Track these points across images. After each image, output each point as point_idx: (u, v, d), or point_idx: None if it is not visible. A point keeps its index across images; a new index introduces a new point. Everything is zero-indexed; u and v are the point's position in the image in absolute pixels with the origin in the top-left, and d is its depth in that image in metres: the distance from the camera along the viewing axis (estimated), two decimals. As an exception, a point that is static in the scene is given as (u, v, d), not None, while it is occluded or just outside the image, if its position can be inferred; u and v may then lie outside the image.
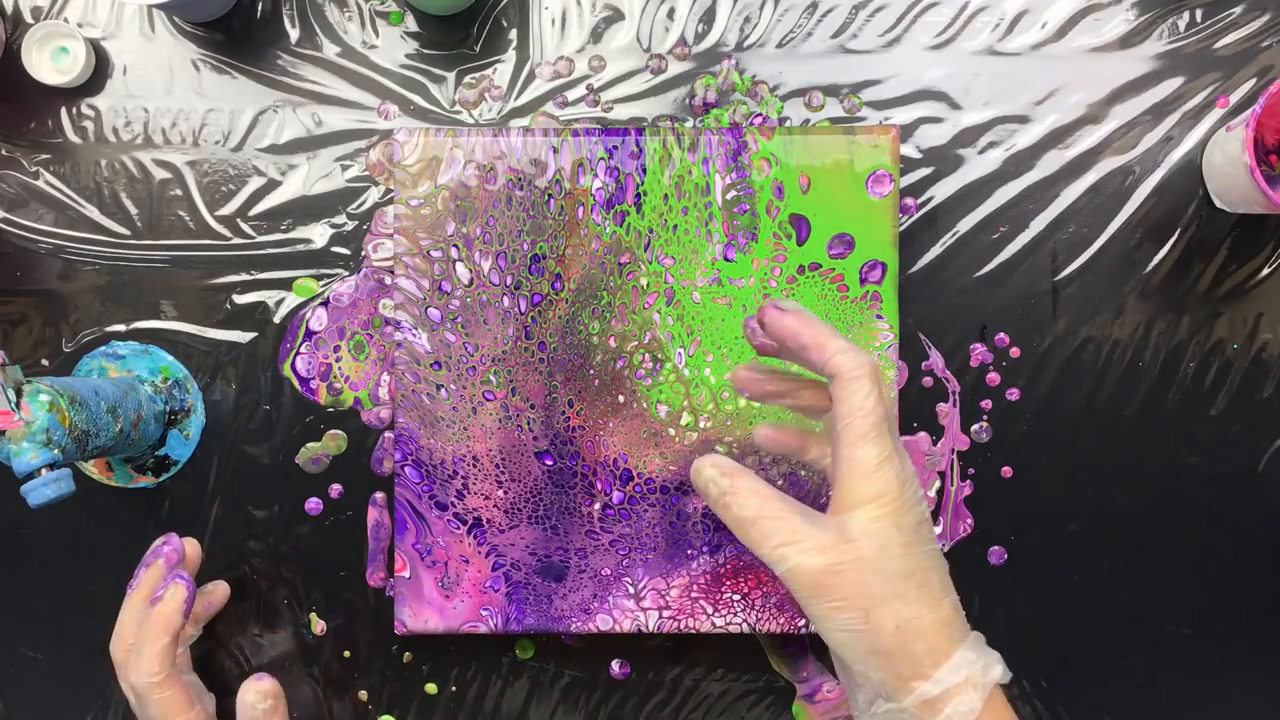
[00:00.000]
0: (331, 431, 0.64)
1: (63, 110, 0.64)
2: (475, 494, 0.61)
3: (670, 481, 0.61)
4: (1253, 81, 0.64)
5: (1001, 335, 0.64)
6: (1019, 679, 0.64)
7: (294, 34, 0.64)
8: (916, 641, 0.46)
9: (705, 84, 0.64)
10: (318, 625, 0.64)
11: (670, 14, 0.64)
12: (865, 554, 0.46)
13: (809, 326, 0.48)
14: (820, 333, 0.48)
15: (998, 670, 0.46)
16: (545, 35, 0.64)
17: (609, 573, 0.61)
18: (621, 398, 0.61)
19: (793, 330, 0.49)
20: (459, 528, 0.61)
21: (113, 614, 0.56)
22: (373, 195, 0.64)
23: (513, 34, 0.64)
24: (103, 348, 0.63)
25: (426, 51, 0.64)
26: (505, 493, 0.61)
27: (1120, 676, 0.63)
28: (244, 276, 0.64)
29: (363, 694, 0.64)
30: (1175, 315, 0.64)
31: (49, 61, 0.63)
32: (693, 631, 0.61)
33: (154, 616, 0.56)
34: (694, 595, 0.61)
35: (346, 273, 0.64)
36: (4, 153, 0.64)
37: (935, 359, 0.64)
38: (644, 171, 0.61)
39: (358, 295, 0.64)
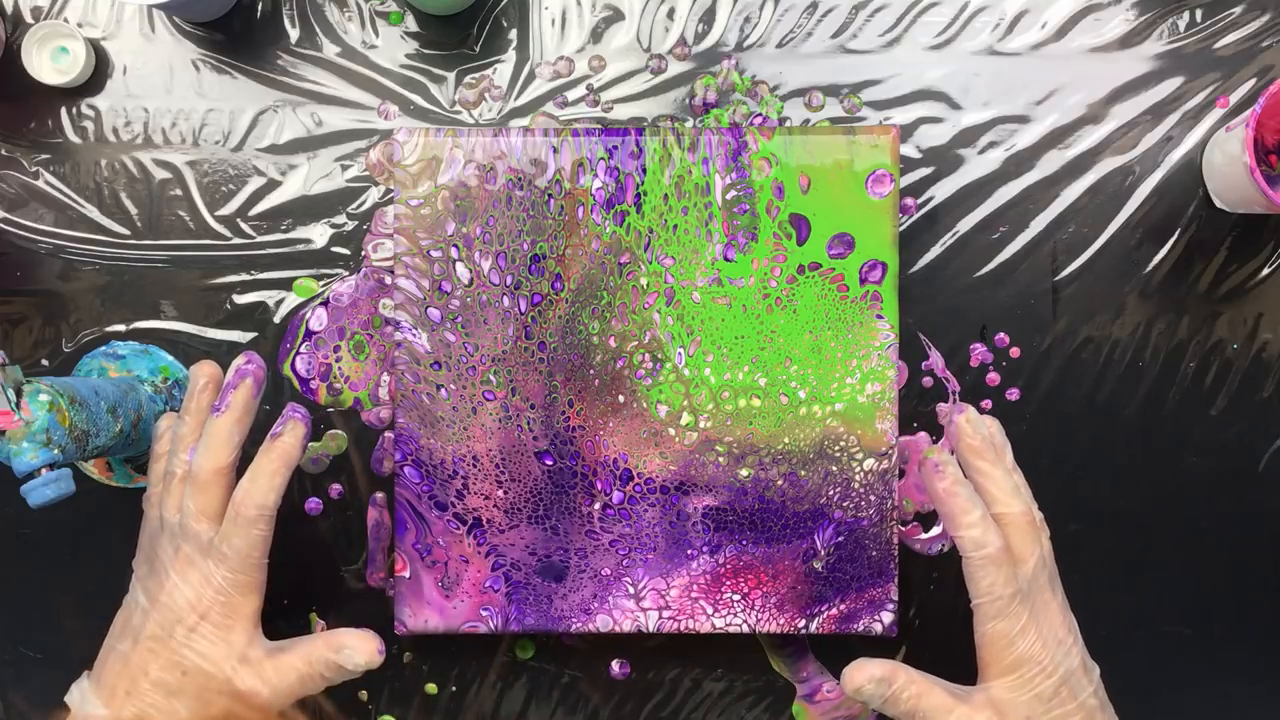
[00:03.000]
0: (331, 431, 0.64)
1: (63, 110, 0.64)
2: (475, 494, 0.61)
3: (670, 481, 0.61)
4: (1253, 81, 0.64)
5: (1001, 335, 0.64)
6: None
7: (294, 34, 0.64)
8: None
9: (705, 84, 0.64)
10: (318, 625, 0.64)
11: (670, 14, 0.64)
12: None
13: (951, 499, 0.53)
14: (956, 507, 0.53)
15: None
16: (545, 35, 0.64)
17: (609, 573, 0.61)
18: (621, 398, 0.61)
19: (938, 496, 0.53)
20: (459, 528, 0.61)
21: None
22: (373, 195, 0.64)
23: (513, 34, 0.64)
24: (103, 348, 0.63)
25: (426, 51, 0.64)
26: (505, 493, 0.61)
27: (1120, 676, 0.63)
28: (244, 276, 0.64)
29: (363, 694, 0.64)
30: (1175, 315, 0.64)
31: (49, 61, 0.63)
32: (693, 632, 0.61)
33: (275, 449, 0.54)
34: (694, 595, 0.61)
35: (346, 273, 0.64)
36: (4, 153, 0.64)
37: (935, 359, 0.64)
38: (644, 171, 0.61)
39: (358, 295, 0.64)
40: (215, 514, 0.53)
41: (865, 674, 0.53)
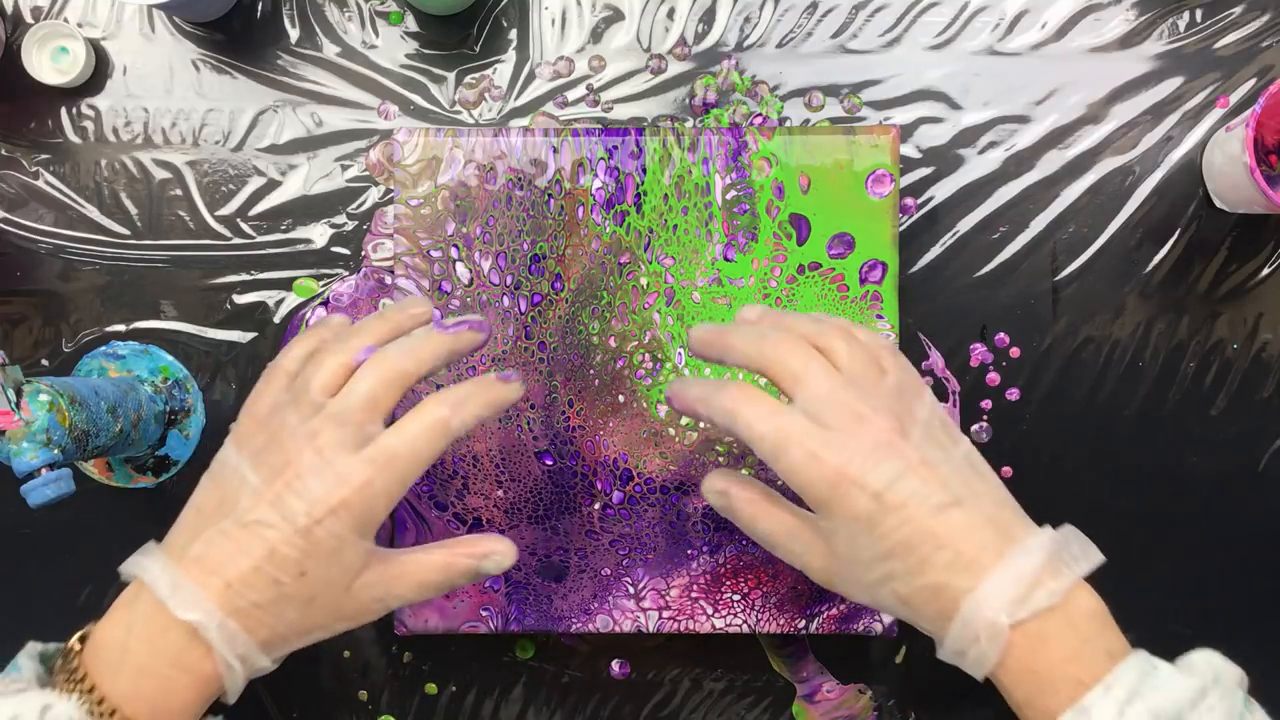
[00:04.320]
0: (331, 431, 0.64)
1: (63, 110, 0.64)
2: (475, 494, 0.61)
3: (670, 481, 0.61)
4: (1253, 81, 0.64)
5: (1001, 335, 0.64)
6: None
7: (294, 34, 0.64)
8: (925, 607, 0.44)
9: (705, 84, 0.64)
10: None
11: (670, 14, 0.64)
12: (840, 551, 0.46)
13: (696, 405, 0.48)
14: (695, 403, 0.48)
15: (1002, 620, 0.42)
16: (545, 35, 0.64)
17: (609, 573, 0.61)
18: (621, 398, 0.61)
19: (689, 406, 0.49)
20: (459, 528, 0.61)
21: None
22: (373, 195, 0.64)
23: (513, 34, 0.64)
24: (103, 348, 0.63)
25: (426, 51, 0.64)
26: (505, 493, 0.61)
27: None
28: (244, 276, 0.64)
29: (363, 694, 0.64)
30: (1175, 315, 0.64)
31: (49, 61, 0.63)
32: (693, 632, 0.61)
33: (500, 388, 0.49)
34: (694, 595, 0.61)
35: (346, 273, 0.64)
36: (4, 153, 0.64)
37: (935, 359, 0.64)
38: (644, 171, 0.61)
39: (358, 295, 0.64)
40: (386, 410, 0.47)
41: (708, 484, 0.50)
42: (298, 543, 0.44)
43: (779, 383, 0.46)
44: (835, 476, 0.44)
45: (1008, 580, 0.43)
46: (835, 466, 0.44)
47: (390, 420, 0.47)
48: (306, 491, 0.44)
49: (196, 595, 0.44)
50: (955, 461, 0.46)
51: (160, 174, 0.64)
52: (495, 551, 0.48)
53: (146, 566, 0.45)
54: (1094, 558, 0.45)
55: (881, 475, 0.44)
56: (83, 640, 0.46)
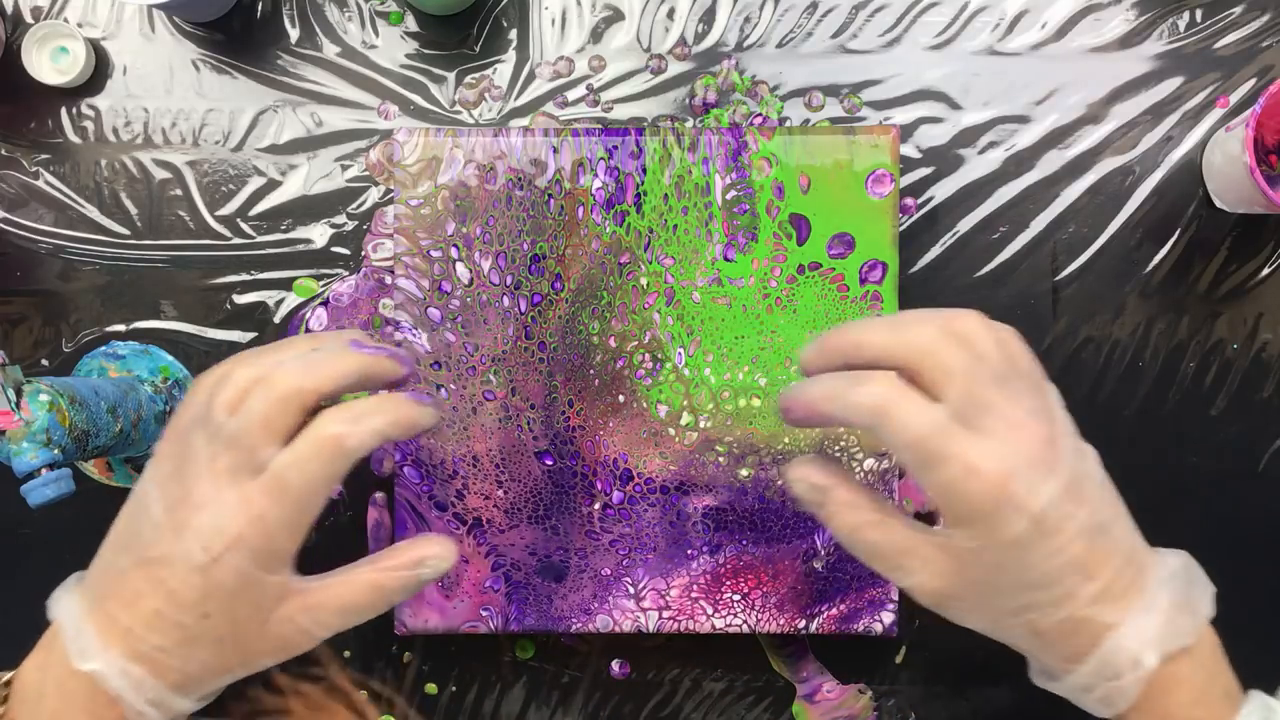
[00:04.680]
0: (331, 431, 0.64)
1: (63, 110, 0.64)
2: (475, 494, 0.61)
3: (670, 481, 0.61)
4: (1253, 81, 0.64)
5: (1001, 335, 0.64)
6: (1019, 681, 0.64)
7: (294, 34, 0.64)
8: (1060, 641, 0.41)
9: (705, 84, 0.64)
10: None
11: (670, 14, 0.64)
12: (975, 575, 0.41)
13: (822, 404, 0.42)
14: (820, 403, 0.42)
15: (1150, 659, 0.40)
16: (545, 35, 0.64)
17: (609, 573, 0.61)
18: (621, 398, 0.61)
19: (812, 408, 0.43)
20: (459, 528, 0.61)
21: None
22: (373, 195, 0.64)
23: (513, 34, 0.64)
24: (103, 348, 0.63)
25: (426, 51, 0.64)
26: (505, 493, 0.61)
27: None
28: (244, 276, 0.64)
29: (362, 694, 0.65)
30: (1175, 315, 0.64)
31: (49, 61, 0.63)
32: (693, 632, 0.61)
33: (410, 406, 0.44)
34: (694, 595, 0.61)
35: (346, 273, 0.64)
36: (4, 153, 0.64)
37: (935, 359, 0.64)
38: (644, 171, 0.61)
39: (358, 295, 0.64)
40: (282, 432, 0.42)
41: (800, 472, 0.44)
42: (196, 582, 0.41)
43: (925, 376, 0.40)
44: (996, 494, 0.39)
45: (1152, 617, 0.41)
46: (996, 483, 0.39)
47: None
48: (201, 526, 0.41)
49: (96, 642, 0.42)
50: (1093, 476, 0.42)
51: (160, 174, 0.64)
52: (429, 556, 0.45)
53: (62, 607, 0.44)
54: (1211, 589, 0.44)
55: (1041, 496, 0.39)
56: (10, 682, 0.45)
